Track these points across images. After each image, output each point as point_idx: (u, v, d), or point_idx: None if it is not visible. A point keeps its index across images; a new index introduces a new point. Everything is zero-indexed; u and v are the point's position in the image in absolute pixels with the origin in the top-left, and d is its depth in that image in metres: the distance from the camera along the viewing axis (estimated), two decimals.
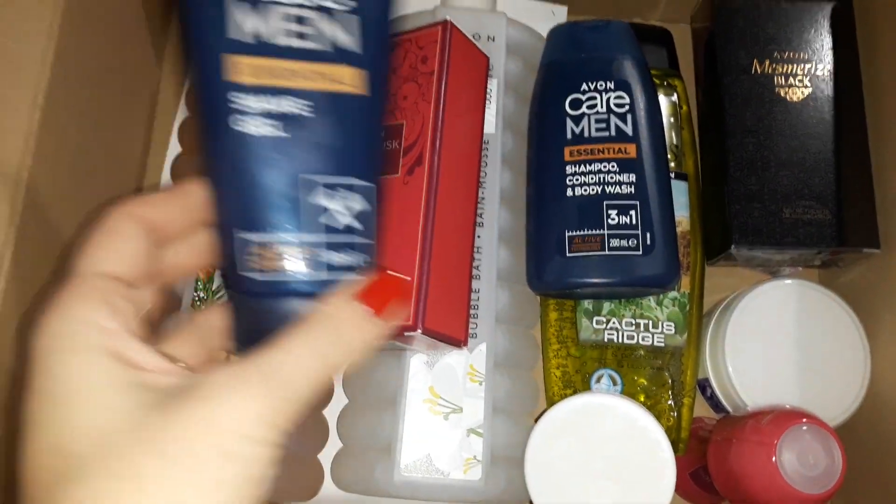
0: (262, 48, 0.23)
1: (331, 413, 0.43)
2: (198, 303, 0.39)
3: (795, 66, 0.46)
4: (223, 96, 0.23)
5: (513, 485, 0.40)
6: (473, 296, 0.41)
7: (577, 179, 0.41)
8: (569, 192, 0.41)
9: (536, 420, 0.39)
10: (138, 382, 0.21)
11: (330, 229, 0.23)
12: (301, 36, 0.23)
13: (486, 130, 0.43)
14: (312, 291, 0.23)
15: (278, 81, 0.23)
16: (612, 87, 0.42)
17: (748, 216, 0.44)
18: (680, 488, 0.46)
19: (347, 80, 0.23)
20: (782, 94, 0.45)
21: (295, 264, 0.23)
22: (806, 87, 0.45)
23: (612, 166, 0.41)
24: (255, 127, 0.23)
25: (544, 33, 0.47)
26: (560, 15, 0.51)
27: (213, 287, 0.40)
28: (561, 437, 0.37)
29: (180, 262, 0.27)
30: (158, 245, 0.25)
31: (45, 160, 0.35)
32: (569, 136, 0.42)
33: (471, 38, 0.43)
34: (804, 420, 0.37)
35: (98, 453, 0.20)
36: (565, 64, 0.44)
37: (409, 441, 0.39)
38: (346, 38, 0.24)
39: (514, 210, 0.44)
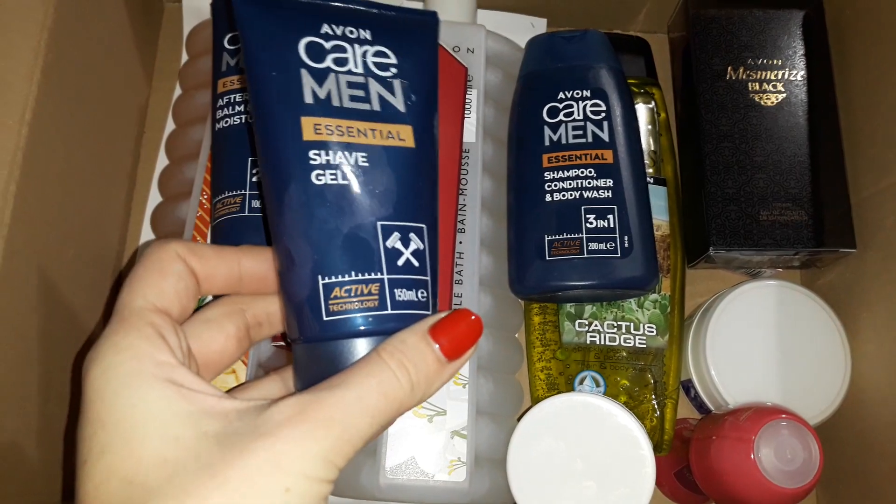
0: (332, 111, 0.26)
1: None
2: None
3: (769, 72, 0.47)
4: (305, 154, 0.25)
5: (497, 486, 0.40)
6: (456, 300, 0.42)
7: (555, 185, 0.42)
8: (548, 198, 0.42)
9: (519, 420, 0.40)
10: (198, 412, 0.22)
11: (399, 268, 0.26)
12: (359, 99, 0.26)
13: (466, 139, 0.44)
14: (385, 328, 0.25)
15: (347, 139, 0.26)
16: (589, 94, 0.43)
17: (726, 218, 0.44)
18: (666, 488, 0.47)
19: (398, 134, 0.26)
20: (757, 99, 0.46)
21: (375, 302, 0.25)
22: (780, 92, 0.46)
23: (590, 172, 0.42)
24: (333, 180, 0.25)
25: (524, 45, 0.48)
26: (539, 27, 0.52)
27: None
28: (542, 437, 0.38)
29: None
30: (196, 293, 0.26)
31: (33, 175, 0.35)
32: (547, 143, 0.43)
33: (450, 49, 0.44)
34: (782, 416, 0.37)
35: (166, 485, 0.20)
36: (543, 74, 0.45)
37: (394, 444, 0.40)
38: (392, 98, 0.26)
39: (496, 217, 0.45)
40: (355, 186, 0.25)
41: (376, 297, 0.25)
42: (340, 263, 0.25)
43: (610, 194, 0.41)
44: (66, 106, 0.39)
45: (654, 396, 0.44)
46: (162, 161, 0.48)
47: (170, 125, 0.48)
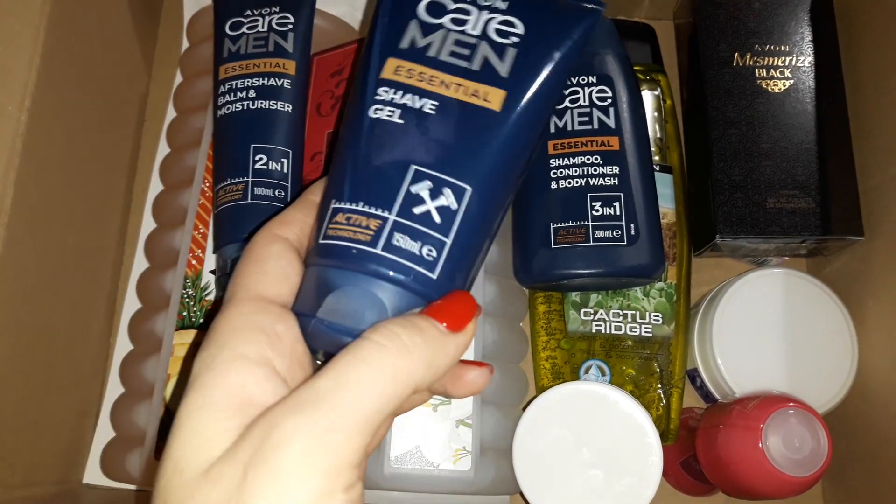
0: (423, 59, 0.27)
1: None
2: (187, 300, 0.40)
3: (776, 58, 0.46)
4: (373, 90, 0.26)
5: (502, 475, 0.40)
6: None
7: (561, 172, 0.42)
8: (553, 185, 0.42)
9: (524, 409, 0.39)
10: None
11: (413, 216, 0.24)
12: (460, 56, 0.27)
13: None
14: (366, 267, 0.24)
15: (425, 85, 0.26)
16: (595, 81, 0.43)
17: (732, 206, 0.44)
18: (672, 478, 0.47)
19: (483, 95, 0.26)
20: (763, 85, 0.46)
21: (368, 237, 0.24)
22: (787, 78, 0.46)
23: (596, 159, 0.41)
24: (387, 116, 0.26)
25: None
26: None
27: (202, 284, 0.40)
28: (548, 426, 0.38)
29: None
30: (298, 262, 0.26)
31: (32, 163, 0.35)
32: (552, 129, 0.42)
33: None
34: (790, 404, 0.37)
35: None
36: None
37: (399, 433, 0.39)
38: (498, 63, 0.27)
39: None
40: (407, 128, 0.25)
41: (372, 233, 0.24)
42: (353, 192, 0.25)
43: (616, 181, 0.41)
44: (65, 93, 0.38)
45: (659, 385, 0.43)
46: (163, 149, 0.47)
47: (171, 113, 0.48)
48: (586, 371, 0.43)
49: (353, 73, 0.33)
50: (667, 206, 0.45)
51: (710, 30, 0.47)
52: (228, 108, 0.39)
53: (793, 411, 0.37)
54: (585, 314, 0.44)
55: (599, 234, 0.40)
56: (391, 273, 0.24)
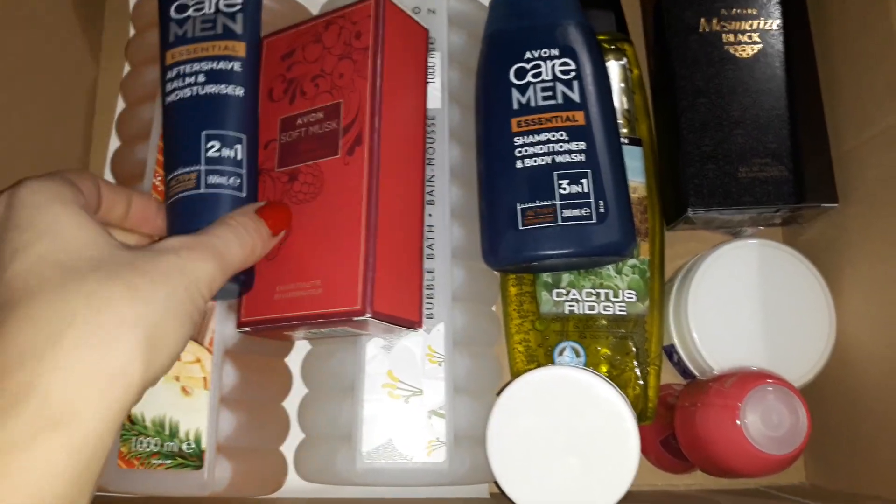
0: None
1: (291, 404, 0.42)
2: None
3: (744, 22, 0.45)
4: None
5: (478, 465, 0.39)
6: (428, 275, 0.40)
7: (526, 150, 0.40)
8: (518, 164, 0.40)
9: (498, 396, 0.38)
10: (107, 232, 0.27)
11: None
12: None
13: (431, 105, 0.42)
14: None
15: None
16: (557, 53, 0.41)
17: (703, 178, 0.43)
18: (652, 456, 0.46)
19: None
20: (732, 51, 0.44)
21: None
22: (756, 42, 0.44)
23: (561, 135, 0.40)
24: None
25: (487, 4, 0.46)
26: None
27: None
28: (521, 414, 0.36)
29: None
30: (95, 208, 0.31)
31: None
32: (515, 106, 0.41)
33: (409, 11, 0.42)
34: (767, 381, 0.36)
35: (95, 272, 0.24)
36: (508, 33, 0.42)
37: (370, 427, 0.38)
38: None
39: (466, 186, 0.43)
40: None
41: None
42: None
43: (583, 158, 0.40)
44: (8, 90, 0.36)
45: (636, 364, 0.42)
46: (115, 143, 0.45)
47: (121, 104, 0.46)
48: (560, 353, 0.42)
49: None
50: (637, 180, 0.44)
51: None
52: (177, 95, 0.37)
53: (771, 388, 0.36)
54: (558, 295, 0.43)
55: (568, 212, 0.39)
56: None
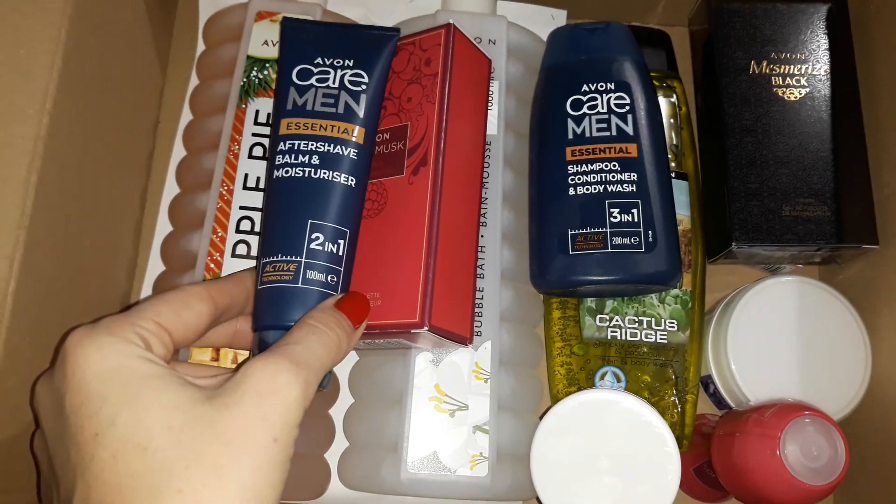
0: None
1: (337, 412, 0.44)
2: None
3: (792, 66, 0.46)
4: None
5: (519, 481, 0.40)
6: (478, 294, 0.41)
7: (579, 178, 0.42)
8: (571, 191, 0.42)
9: (541, 417, 0.40)
10: (188, 384, 0.26)
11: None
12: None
13: (488, 132, 0.44)
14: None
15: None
16: (613, 87, 0.43)
17: (748, 214, 0.44)
18: (684, 485, 0.47)
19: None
20: (780, 93, 0.46)
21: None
22: (803, 86, 0.46)
23: (614, 165, 0.41)
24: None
25: (544, 37, 0.47)
26: (559, 18, 0.52)
27: None
28: (566, 434, 0.38)
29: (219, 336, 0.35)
30: (216, 321, 0.31)
31: (53, 165, 0.35)
32: (570, 136, 0.42)
33: (473, 41, 0.44)
34: (806, 412, 0.37)
35: (177, 449, 0.23)
36: (566, 66, 0.44)
37: (416, 438, 0.39)
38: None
39: (517, 211, 0.44)
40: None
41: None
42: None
43: (634, 188, 0.41)
44: (85, 95, 0.38)
45: (674, 392, 0.43)
46: (178, 151, 0.47)
47: (186, 115, 0.48)
48: (601, 377, 0.44)
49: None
50: (682, 213, 0.45)
51: (727, 37, 0.47)
52: (287, 171, 0.35)
53: (810, 419, 0.37)
54: (601, 320, 0.44)
55: (617, 240, 0.40)
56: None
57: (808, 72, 0.46)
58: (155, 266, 0.45)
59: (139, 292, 0.46)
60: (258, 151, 0.42)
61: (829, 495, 0.37)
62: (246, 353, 0.39)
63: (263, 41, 0.44)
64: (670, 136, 0.47)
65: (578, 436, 0.38)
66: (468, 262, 0.39)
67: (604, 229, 0.41)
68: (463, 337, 0.38)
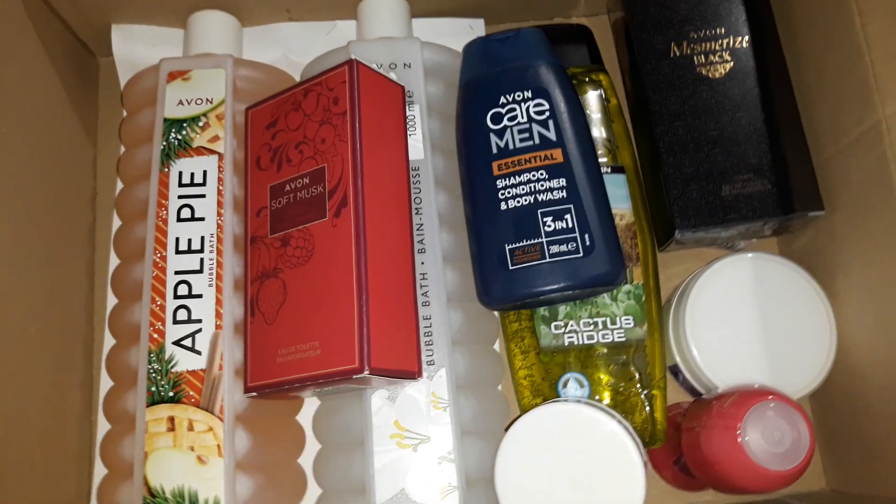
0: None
1: (307, 460, 0.43)
2: (153, 375, 0.40)
3: (713, 42, 0.46)
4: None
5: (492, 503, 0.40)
6: (425, 322, 0.41)
7: (508, 192, 0.41)
8: (503, 206, 0.41)
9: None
10: None
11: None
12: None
13: (414, 157, 0.43)
14: None
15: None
16: (530, 95, 0.42)
17: (687, 199, 0.44)
18: (669, 475, 0.46)
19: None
20: (704, 72, 0.45)
21: None
22: (727, 61, 0.45)
23: (541, 174, 0.41)
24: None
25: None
26: (478, 28, 0.51)
27: (166, 357, 0.40)
28: (528, 452, 0.37)
29: None
30: None
31: None
32: (494, 150, 0.42)
33: (384, 69, 0.43)
34: (768, 397, 0.36)
35: None
36: (482, 80, 0.44)
37: (382, 479, 0.39)
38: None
39: (456, 231, 0.44)
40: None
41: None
42: None
43: (564, 194, 0.41)
44: (13, 179, 0.38)
45: (640, 389, 0.43)
46: (117, 221, 0.47)
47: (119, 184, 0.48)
48: (564, 385, 0.43)
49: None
50: (623, 207, 0.45)
51: (643, 23, 0.46)
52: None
53: (772, 405, 0.36)
54: (556, 328, 0.44)
55: (554, 248, 0.40)
56: None
57: (731, 46, 0.46)
58: (110, 340, 0.45)
59: (99, 369, 0.46)
60: (186, 213, 0.42)
61: (800, 478, 0.36)
62: (204, 427, 0.39)
63: (178, 101, 0.44)
64: (601, 131, 0.46)
65: (540, 453, 0.37)
66: (406, 295, 0.39)
67: (539, 240, 0.40)
68: (410, 372, 0.38)
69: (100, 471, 0.43)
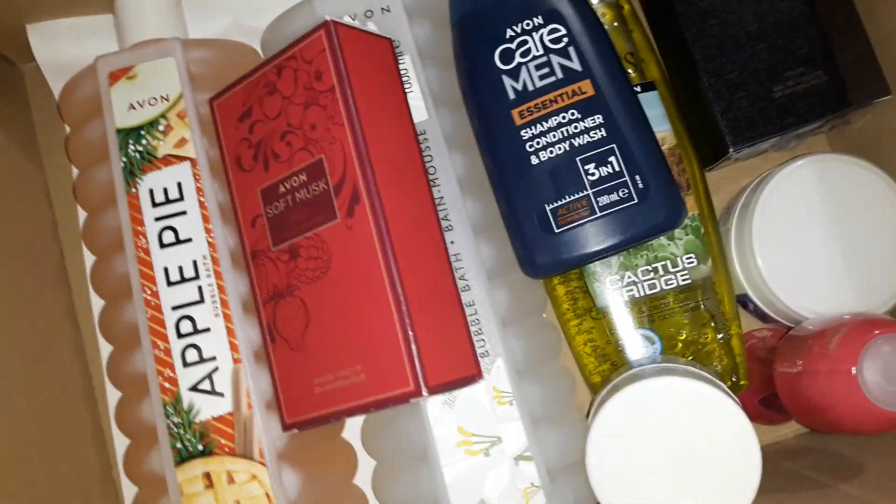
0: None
1: (363, 480, 0.39)
2: (175, 429, 0.34)
3: None
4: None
5: (581, 491, 0.35)
6: (469, 310, 0.36)
7: (537, 143, 0.35)
8: (533, 160, 0.35)
9: (589, 411, 0.35)
10: None
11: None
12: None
13: (418, 118, 0.37)
14: None
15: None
16: (541, 21, 0.36)
17: (737, 110, 0.38)
18: (752, 414, 0.42)
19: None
20: None
21: None
22: None
23: (573, 114, 0.35)
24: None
25: None
26: None
27: (185, 407, 0.34)
28: (621, 436, 0.33)
29: None
30: None
31: None
32: (512, 95, 0.36)
33: (360, 21, 0.37)
34: (876, 332, 0.32)
35: None
36: (479, 14, 0.37)
37: (457, 492, 0.35)
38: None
39: (480, 195, 0.38)
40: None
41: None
42: None
43: (604, 132, 0.35)
44: None
45: (717, 334, 0.38)
46: (89, 255, 0.41)
47: (81, 211, 0.41)
48: (633, 344, 0.38)
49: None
50: (662, 129, 0.39)
51: None
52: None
53: (882, 338, 0.31)
54: (612, 283, 0.39)
55: (604, 199, 0.34)
56: None
57: None
58: (113, 393, 0.39)
59: (109, 429, 0.40)
60: (169, 237, 0.36)
61: None
62: (240, 483, 0.34)
63: (128, 105, 0.37)
64: (622, 45, 0.40)
65: (634, 435, 0.33)
66: (446, 288, 0.33)
67: (584, 192, 0.34)
68: (471, 376, 0.33)
69: None
